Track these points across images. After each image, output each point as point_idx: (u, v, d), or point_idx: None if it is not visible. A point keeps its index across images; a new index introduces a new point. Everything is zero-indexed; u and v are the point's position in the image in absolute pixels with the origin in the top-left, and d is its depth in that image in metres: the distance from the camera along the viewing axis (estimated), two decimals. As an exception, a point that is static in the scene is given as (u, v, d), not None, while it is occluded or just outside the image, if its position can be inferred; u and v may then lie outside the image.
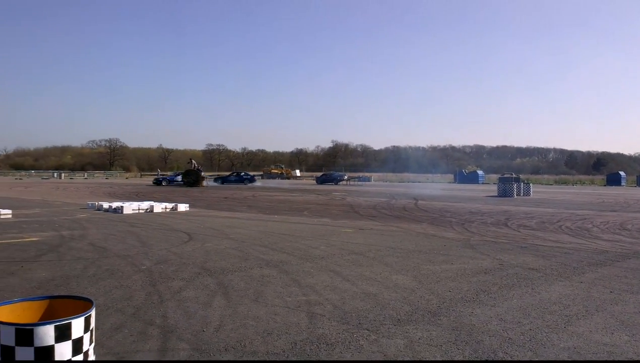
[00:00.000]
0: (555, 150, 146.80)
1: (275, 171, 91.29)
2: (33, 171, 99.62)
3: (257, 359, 3.86)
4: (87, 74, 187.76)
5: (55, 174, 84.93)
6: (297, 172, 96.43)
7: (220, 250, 9.10)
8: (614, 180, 67.01)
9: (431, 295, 5.96)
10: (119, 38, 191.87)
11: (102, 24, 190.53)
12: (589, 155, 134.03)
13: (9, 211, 15.33)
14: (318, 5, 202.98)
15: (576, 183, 72.45)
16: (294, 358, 3.88)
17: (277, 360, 3.85)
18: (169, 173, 70.82)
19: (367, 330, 4.59)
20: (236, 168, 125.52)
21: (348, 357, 3.92)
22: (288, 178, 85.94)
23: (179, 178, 47.51)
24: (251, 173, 62.14)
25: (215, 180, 54.13)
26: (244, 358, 3.86)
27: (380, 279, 6.80)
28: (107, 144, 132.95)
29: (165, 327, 4.61)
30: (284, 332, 4.49)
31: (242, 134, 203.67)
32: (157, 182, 48.38)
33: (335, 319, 4.91)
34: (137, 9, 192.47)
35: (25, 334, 2.17)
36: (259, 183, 55.42)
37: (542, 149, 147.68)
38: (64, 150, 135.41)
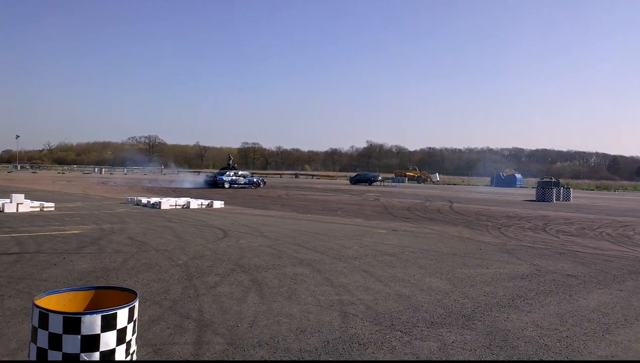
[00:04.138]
0: (597, 154, 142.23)
1: (411, 174, 77.71)
2: (75, 166, 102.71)
3: (289, 356, 3.91)
4: (127, 71, 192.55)
5: (96, 169, 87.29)
6: (437, 176, 79.78)
7: (254, 247, 9.21)
8: (658, 186, 64.70)
9: (466, 299, 5.91)
10: (156, 37, 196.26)
11: (140, 23, 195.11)
12: (632, 160, 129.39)
13: (52, 204, 15.86)
14: (351, 7, 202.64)
15: (618, 189, 70.24)
16: (326, 357, 3.91)
17: (304, 359, 3.90)
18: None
19: (400, 331, 4.59)
20: (270, 167, 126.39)
21: (380, 358, 3.93)
22: (424, 181, 74.06)
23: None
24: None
25: None
26: (277, 354, 3.92)
27: (414, 281, 6.77)
28: (147, 141, 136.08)
29: (201, 321, 4.72)
30: (317, 330, 4.53)
31: (277, 132, 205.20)
32: None
33: (368, 319, 4.93)
34: (173, 8, 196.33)
35: (72, 322, 2.26)
36: None
37: (584, 153, 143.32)
38: (104, 145, 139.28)
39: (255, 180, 38.04)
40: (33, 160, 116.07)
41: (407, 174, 77.67)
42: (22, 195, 15.32)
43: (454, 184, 70.65)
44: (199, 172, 79.80)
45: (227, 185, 35.08)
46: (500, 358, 3.98)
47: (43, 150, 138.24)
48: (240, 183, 36.07)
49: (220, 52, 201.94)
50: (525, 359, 4.00)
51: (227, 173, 36.71)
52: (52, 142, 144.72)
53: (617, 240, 12.23)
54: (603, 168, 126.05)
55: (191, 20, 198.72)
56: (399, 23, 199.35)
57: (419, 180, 74.88)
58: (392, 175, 72.70)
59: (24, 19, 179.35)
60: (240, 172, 38.21)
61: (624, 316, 5.38)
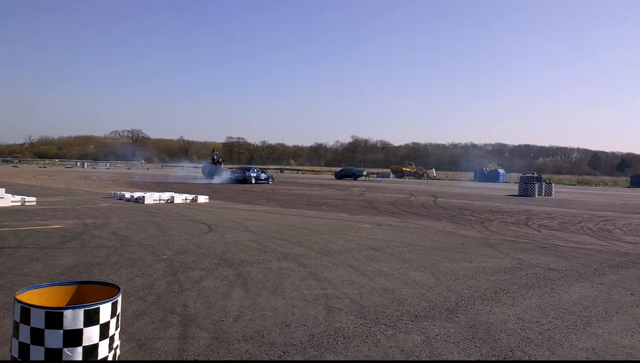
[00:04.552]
0: (578, 150, 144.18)
1: (407, 169, 76.83)
2: (57, 160, 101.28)
3: (274, 350, 3.91)
4: (111, 65, 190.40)
5: (78, 163, 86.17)
6: (434, 172, 79.44)
7: (239, 242, 9.19)
8: (638, 181, 65.77)
9: (449, 292, 5.96)
10: (141, 32, 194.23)
11: (125, 17, 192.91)
12: (613, 155, 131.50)
13: (34, 199, 15.65)
14: (336, 2, 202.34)
15: (599, 184, 71.31)
16: (311, 351, 3.92)
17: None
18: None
19: (385, 325, 4.62)
20: (255, 161, 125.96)
21: (365, 351, 3.95)
22: (421, 176, 72.96)
23: None
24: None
25: None
26: (262, 348, 3.92)
27: (398, 275, 6.81)
28: (130, 135, 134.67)
29: (186, 315, 4.70)
30: (302, 324, 4.54)
31: (262, 127, 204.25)
32: None
33: (353, 313, 4.95)
34: (158, 3, 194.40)
35: (55, 317, 2.24)
36: None
37: (565, 148, 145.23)
38: (87, 139, 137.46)
39: (271, 175, 40.00)
40: (14, 153, 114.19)
41: (404, 169, 76.92)
42: (3, 189, 15.09)
43: (449, 179, 70.95)
44: (183, 167, 78.95)
45: (253, 181, 36.29)
46: (484, 351, 4.03)
47: (24, 143, 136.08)
48: (262, 179, 37.47)
49: (205, 46, 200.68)
50: (508, 352, 4.05)
51: (253, 169, 39.23)
52: (33, 135, 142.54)
53: (598, 234, 12.42)
54: (584, 163, 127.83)
55: (176, 15, 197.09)
56: (384, 18, 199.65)
57: (415, 175, 74.10)
58: (377, 170, 72.83)
59: (6, 14, 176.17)
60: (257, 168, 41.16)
61: (605, 309, 5.47)
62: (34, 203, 15.25)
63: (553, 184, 35.57)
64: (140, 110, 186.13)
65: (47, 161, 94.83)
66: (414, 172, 75.65)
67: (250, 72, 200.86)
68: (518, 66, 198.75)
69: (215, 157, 43.53)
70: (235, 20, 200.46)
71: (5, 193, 14.99)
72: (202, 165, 44.45)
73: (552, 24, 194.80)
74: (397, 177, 72.70)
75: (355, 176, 57.54)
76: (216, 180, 36.83)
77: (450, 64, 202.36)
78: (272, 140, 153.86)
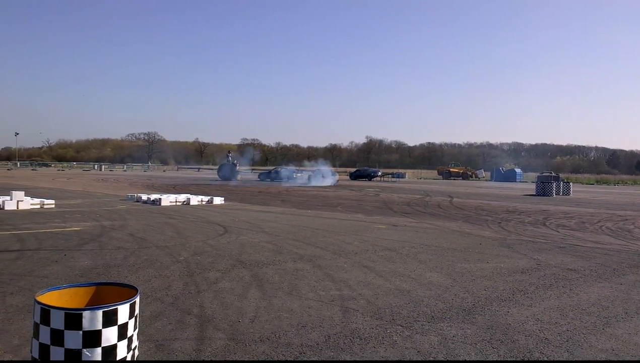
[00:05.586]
0: (597, 148, 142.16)
1: (455, 170, 73.99)
2: (74, 163, 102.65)
3: (290, 351, 3.92)
4: (126, 68, 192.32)
5: (96, 166, 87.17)
6: (482, 172, 75.93)
7: (254, 243, 9.22)
8: (658, 180, 64.68)
9: (466, 293, 5.92)
10: (155, 33, 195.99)
11: (139, 19, 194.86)
12: (632, 154, 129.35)
13: (52, 201, 15.87)
14: (348, 3, 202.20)
15: (618, 183, 70.26)
16: (327, 352, 3.92)
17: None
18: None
19: (401, 326, 4.60)
20: (270, 163, 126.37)
21: (381, 352, 3.94)
22: (469, 177, 70.58)
23: None
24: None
25: None
26: (279, 350, 3.93)
27: (414, 276, 6.78)
28: (146, 137, 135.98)
29: (203, 316, 4.73)
30: (318, 325, 4.54)
31: (276, 128, 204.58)
32: None
33: (369, 314, 4.94)
34: (171, 5, 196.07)
35: (74, 318, 2.27)
36: None
37: (584, 147, 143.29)
38: (104, 142, 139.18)
39: None
40: (32, 157, 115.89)
41: (452, 169, 74.79)
42: (23, 193, 15.33)
43: (454, 179, 70.37)
44: (199, 168, 79.40)
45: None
46: (501, 352, 4.00)
47: (42, 147, 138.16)
48: None
49: (219, 48, 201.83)
50: (526, 353, 4.01)
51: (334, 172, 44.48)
52: (51, 139, 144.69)
53: (617, 234, 12.25)
54: (603, 162, 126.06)
55: (190, 16, 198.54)
56: (397, 19, 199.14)
57: (463, 176, 72.19)
58: (392, 171, 72.47)
59: (22, 17, 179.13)
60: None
61: (624, 309, 5.39)
62: (53, 206, 15.46)
63: (571, 183, 35.12)
64: (155, 113, 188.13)
65: (65, 164, 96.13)
66: (462, 173, 73.34)
67: (264, 73, 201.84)
68: (534, 64, 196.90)
69: (230, 158, 44.01)
70: (247, 22, 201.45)
71: (25, 196, 15.23)
72: (217, 168, 45.41)
73: (569, 21, 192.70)
74: (444, 178, 69.83)
75: (370, 177, 57.36)
76: (316, 182, 39.49)
77: (465, 62, 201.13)
78: (287, 141, 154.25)
